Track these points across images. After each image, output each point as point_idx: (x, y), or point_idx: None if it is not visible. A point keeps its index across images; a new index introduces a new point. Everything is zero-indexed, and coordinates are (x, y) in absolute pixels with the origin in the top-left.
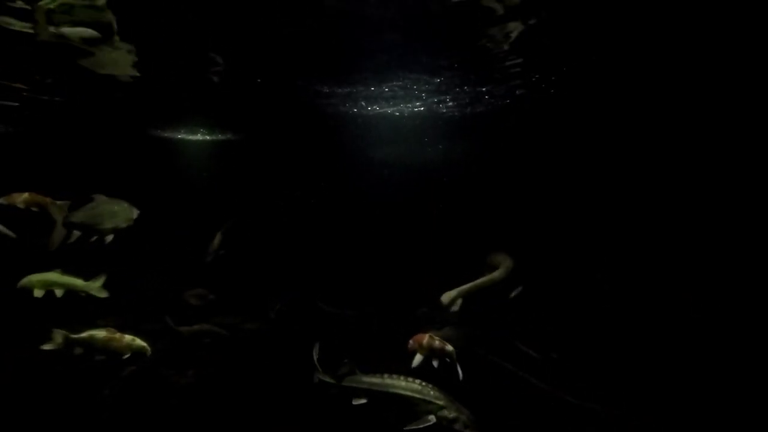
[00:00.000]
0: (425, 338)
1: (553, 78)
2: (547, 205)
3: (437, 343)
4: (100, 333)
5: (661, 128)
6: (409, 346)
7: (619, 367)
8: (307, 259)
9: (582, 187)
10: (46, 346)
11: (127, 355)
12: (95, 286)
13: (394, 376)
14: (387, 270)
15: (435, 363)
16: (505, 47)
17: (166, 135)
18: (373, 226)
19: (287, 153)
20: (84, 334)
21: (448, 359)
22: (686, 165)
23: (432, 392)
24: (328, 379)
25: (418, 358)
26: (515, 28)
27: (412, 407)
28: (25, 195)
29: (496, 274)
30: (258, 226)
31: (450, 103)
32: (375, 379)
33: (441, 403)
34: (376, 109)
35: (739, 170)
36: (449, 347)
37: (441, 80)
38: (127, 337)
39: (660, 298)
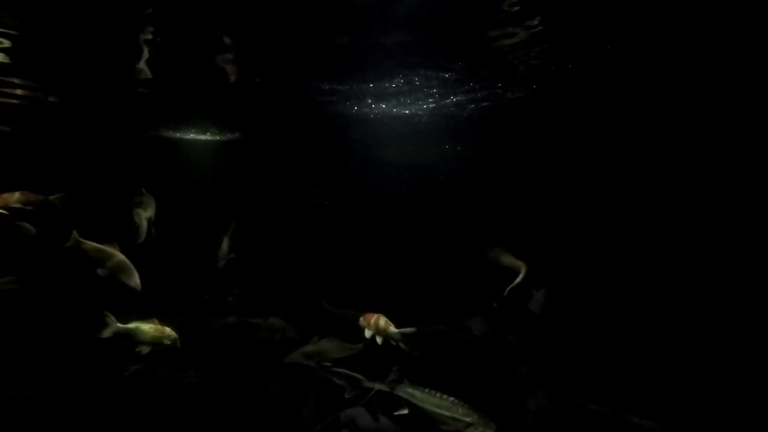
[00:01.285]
0: (374, 317)
1: (566, 75)
2: (548, 205)
3: (382, 323)
4: (145, 324)
5: (664, 133)
6: (360, 322)
7: (620, 367)
8: (309, 259)
9: (587, 187)
10: (104, 334)
11: (167, 344)
12: None
13: (432, 391)
14: (388, 270)
15: (379, 340)
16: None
17: (162, 135)
18: (375, 226)
19: (288, 152)
20: (131, 325)
21: (390, 339)
22: (687, 167)
23: (461, 410)
24: (378, 386)
25: (368, 333)
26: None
27: (441, 423)
28: (17, 194)
29: (521, 270)
30: (258, 226)
31: (460, 98)
32: (416, 392)
33: (468, 420)
34: (381, 107)
35: (740, 172)
36: (392, 329)
37: (449, 76)
38: (167, 329)
39: (660, 298)
